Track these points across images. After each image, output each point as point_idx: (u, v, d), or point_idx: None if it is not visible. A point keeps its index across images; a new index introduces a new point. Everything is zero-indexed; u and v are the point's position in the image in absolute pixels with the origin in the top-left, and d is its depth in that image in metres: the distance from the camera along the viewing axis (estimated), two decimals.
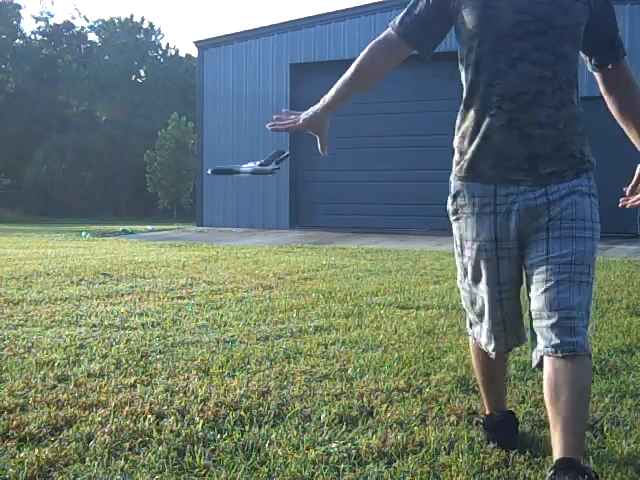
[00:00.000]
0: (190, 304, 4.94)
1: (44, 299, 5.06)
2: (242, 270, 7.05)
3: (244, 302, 5.06)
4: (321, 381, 3.05)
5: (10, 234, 14.62)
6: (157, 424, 2.46)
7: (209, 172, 2.41)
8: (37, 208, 35.38)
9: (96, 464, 2.12)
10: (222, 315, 4.53)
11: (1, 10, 43.34)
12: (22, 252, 8.97)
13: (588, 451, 2.26)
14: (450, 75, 10.97)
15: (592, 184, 2.07)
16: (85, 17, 70.52)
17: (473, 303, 2.20)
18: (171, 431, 2.39)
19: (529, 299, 2.04)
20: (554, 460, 1.84)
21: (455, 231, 2.18)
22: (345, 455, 2.22)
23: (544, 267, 1.97)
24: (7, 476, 2.03)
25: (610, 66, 2.15)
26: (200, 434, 2.37)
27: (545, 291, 1.95)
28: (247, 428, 2.45)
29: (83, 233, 14.02)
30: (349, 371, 3.19)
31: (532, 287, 2.02)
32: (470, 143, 2.07)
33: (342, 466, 2.14)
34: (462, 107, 2.10)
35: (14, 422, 2.43)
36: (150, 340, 3.79)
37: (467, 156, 2.08)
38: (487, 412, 2.45)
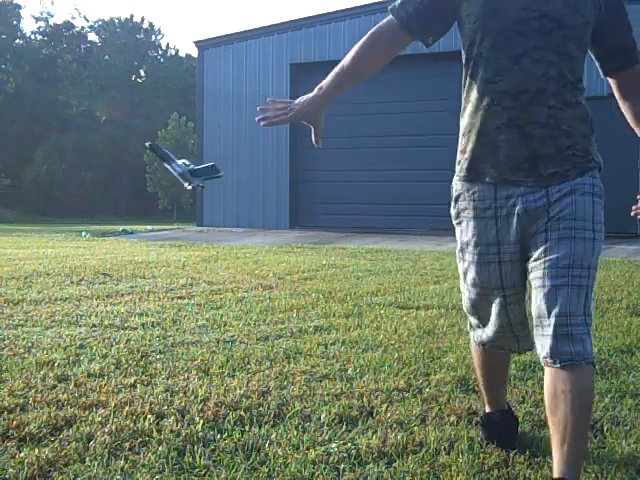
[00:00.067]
0: (190, 304, 4.94)
1: (44, 299, 5.06)
2: (242, 270, 7.05)
3: (244, 302, 5.06)
4: (321, 381, 3.05)
5: (10, 234, 14.62)
6: (157, 424, 2.46)
7: (147, 144, 2.31)
8: (37, 208, 35.35)
9: (96, 464, 2.12)
10: (222, 315, 4.53)
11: (1, 10, 43.32)
12: (22, 252, 8.97)
13: (588, 451, 2.26)
14: (450, 75, 10.93)
15: (596, 183, 1.99)
16: (85, 17, 70.42)
17: (474, 307, 2.15)
18: (171, 431, 2.39)
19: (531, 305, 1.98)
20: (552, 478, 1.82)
21: (457, 235, 2.12)
22: (345, 455, 2.22)
23: (541, 271, 1.90)
24: (7, 476, 2.03)
25: (625, 71, 2.08)
26: (200, 434, 2.37)
27: (543, 297, 1.88)
28: (247, 428, 2.45)
29: (83, 233, 14.01)
30: (349, 371, 3.19)
31: (532, 292, 1.95)
32: (470, 141, 2.02)
33: (342, 466, 2.14)
34: (463, 104, 2.05)
35: (14, 422, 2.43)
36: (150, 340, 3.79)
37: (467, 155, 2.03)
38: (487, 409, 2.42)
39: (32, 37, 46.46)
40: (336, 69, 2.03)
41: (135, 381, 2.98)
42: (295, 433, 2.40)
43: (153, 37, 48.02)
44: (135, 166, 39.02)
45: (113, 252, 9.12)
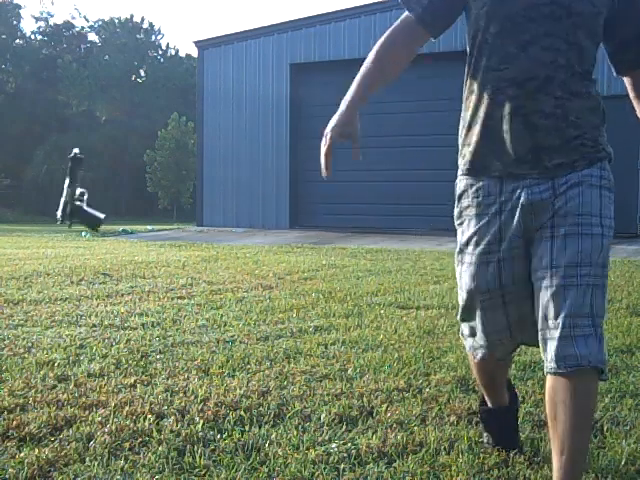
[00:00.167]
0: (190, 304, 4.94)
1: (44, 299, 5.06)
2: (242, 270, 7.05)
3: (244, 302, 5.06)
4: (321, 381, 3.04)
5: (10, 234, 14.63)
6: (157, 424, 2.46)
7: (72, 154, 2.18)
8: (37, 208, 35.38)
9: (96, 464, 2.12)
10: (222, 315, 4.53)
11: (1, 10, 43.34)
12: (22, 252, 8.97)
13: (588, 451, 2.26)
14: (450, 75, 10.93)
15: (605, 175, 1.89)
16: (85, 17, 70.63)
17: (470, 312, 2.04)
18: (171, 431, 2.39)
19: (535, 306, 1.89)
20: None
21: (458, 236, 2.03)
22: (345, 455, 2.22)
23: (547, 271, 1.81)
24: (7, 476, 2.03)
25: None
26: (200, 434, 2.37)
27: (550, 298, 1.80)
28: (247, 428, 2.45)
29: (83, 233, 14.00)
30: (349, 371, 3.19)
31: (536, 293, 1.86)
32: (474, 133, 1.95)
33: (342, 466, 2.14)
34: (465, 95, 1.99)
35: (14, 422, 2.43)
36: (150, 340, 3.79)
37: (470, 147, 1.96)
38: (488, 405, 2.35)
39: (32, 37, 46.52)
40: (357, 77, 1.97)
41: (135, 381, 2.98)
42: (295, 433, 2.40)
43: (153, 37, 48.08)
44: (135, 166, 39.06)
45: (113, 252, 9.12)
